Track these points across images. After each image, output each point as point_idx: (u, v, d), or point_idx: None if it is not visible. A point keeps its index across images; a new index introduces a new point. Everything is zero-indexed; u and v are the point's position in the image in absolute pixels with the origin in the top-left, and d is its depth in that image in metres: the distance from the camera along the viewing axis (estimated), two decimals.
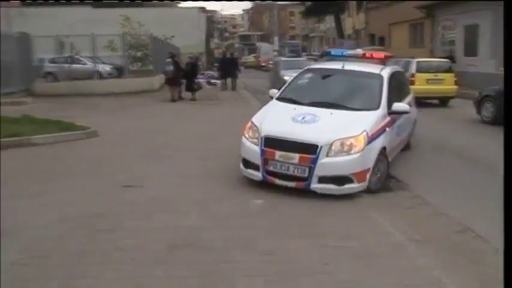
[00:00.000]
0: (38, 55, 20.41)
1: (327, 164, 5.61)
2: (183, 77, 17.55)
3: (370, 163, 5.82)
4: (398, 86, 7.58)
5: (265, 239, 4.52)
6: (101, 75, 20.83)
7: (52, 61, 20.91)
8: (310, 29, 70.52)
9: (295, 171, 5.72)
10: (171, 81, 17.29)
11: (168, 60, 17.48)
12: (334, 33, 43.93)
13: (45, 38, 19.61)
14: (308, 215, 5.20)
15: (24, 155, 8.04)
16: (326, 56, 8.44)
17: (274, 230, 4.76)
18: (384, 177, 6.28)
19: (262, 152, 5.92)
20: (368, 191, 5.89)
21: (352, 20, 44.52)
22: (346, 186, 5.68)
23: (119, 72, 21.61)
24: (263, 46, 51.94)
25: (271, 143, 5.90)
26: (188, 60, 18.85)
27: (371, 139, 5.83)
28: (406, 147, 8.26)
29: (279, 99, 6.98)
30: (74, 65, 20.33)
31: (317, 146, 5.61)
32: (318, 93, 7.01)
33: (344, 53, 8.03)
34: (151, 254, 4.15)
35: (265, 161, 5.89)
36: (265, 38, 67.80)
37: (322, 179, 5.63)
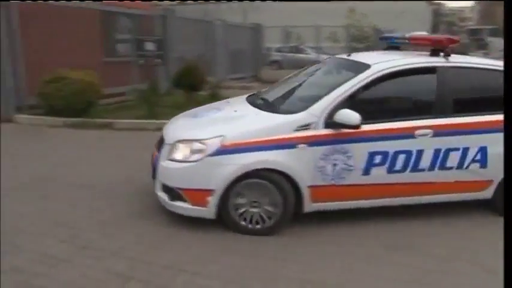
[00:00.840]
0: (266, 44, 21.89)
1: (163, 167, 4.44)
2: None
3: (215, 183, 4.15)
4: (440, 90, 4.59)
5: (490, 255, 3.99)
6: None
7: (278, 50, 22.30)
8: None
9: (151, 170, 4.77)
10: None
11: None
12: None
13: (273, 29, 20.91)
14: None
15: None
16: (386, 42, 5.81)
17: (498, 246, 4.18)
18: (278, 220, 4.25)
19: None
20: (235, 229, 4.26)
21: None
22: (177, 203, 4.35)
23: None
24: (495, 42, 46.96)
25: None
26: None
27: (233, 150, 4.18)
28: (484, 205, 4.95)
29: (247, 97, 5.53)
30: (298, 55, 21.32)
31: (163, 143, 4.60)
32: (279, 91, 5.40)
33: (393, 39, 5.55)
34: (366, 251, 4.06)
35: (152, 157, 4.95)
36: (498, 33, 61.37)
37: (164, 187, 4.47)
